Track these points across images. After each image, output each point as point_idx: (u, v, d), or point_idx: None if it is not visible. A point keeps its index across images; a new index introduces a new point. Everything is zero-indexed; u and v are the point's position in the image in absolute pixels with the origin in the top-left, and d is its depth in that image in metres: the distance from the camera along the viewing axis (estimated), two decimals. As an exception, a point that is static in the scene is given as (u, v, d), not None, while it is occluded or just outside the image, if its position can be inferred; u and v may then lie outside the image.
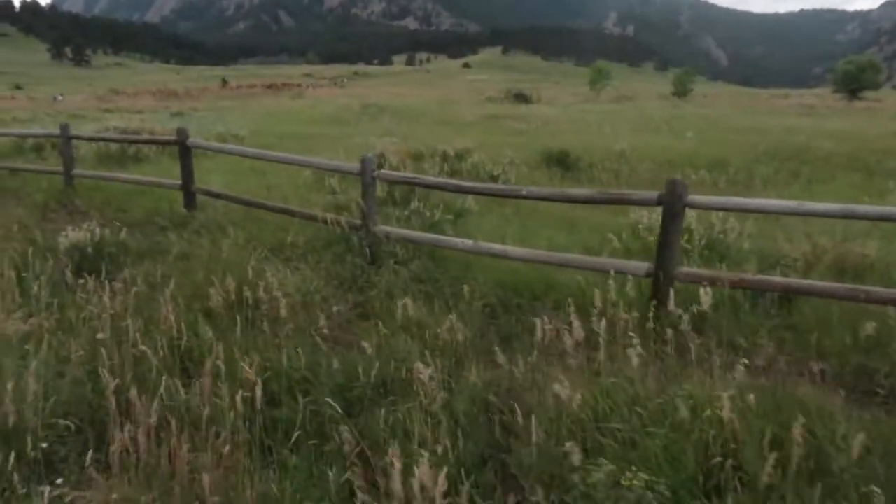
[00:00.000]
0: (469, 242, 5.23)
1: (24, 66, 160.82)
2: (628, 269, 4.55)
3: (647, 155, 13.08)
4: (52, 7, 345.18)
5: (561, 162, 12.55)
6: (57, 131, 9.11)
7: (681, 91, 63.64)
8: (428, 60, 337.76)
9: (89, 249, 6.32)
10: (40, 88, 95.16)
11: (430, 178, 5.46)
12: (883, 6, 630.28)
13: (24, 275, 5.07)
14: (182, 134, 7.21)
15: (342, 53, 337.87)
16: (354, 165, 5.86)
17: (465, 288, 4.42)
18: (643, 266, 4.52)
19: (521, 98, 49.29)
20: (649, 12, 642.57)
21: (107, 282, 4.68)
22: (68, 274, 5.22)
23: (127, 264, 5.87)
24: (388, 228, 5.79)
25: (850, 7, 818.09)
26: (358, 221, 5.84)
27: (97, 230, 6.41)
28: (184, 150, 7.21)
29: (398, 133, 19.75)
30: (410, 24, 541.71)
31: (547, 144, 14.60)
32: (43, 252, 5.99)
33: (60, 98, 58.87)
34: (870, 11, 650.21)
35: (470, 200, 7.77)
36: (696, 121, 23.13)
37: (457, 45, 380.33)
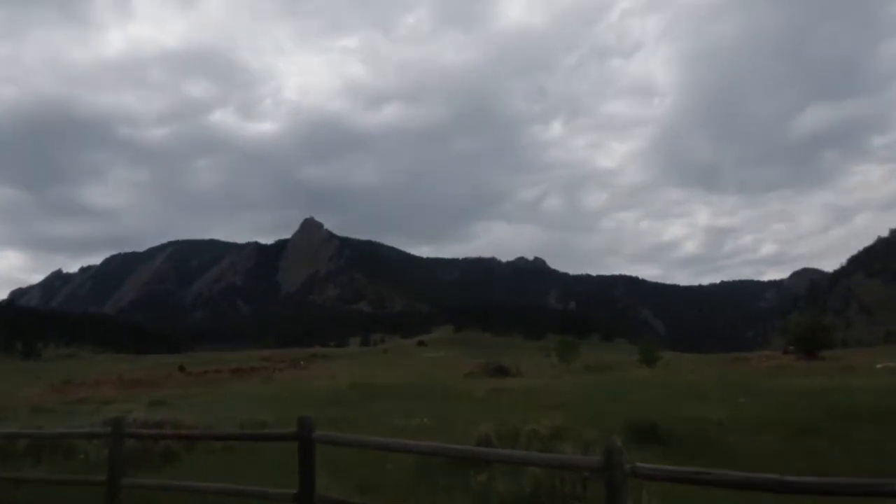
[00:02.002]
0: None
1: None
2: None
3: (736, 425, 11.83)
4: (8, 301, 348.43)
5: (651, 436, 11.14)
6: (99, 427, 7.37)
7: (649, 359, 64.92)
8: (382, 340, 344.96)
9: None
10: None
11: (714, 473, 4.05)
12: (792, 276, 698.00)
13: None
14: (305, 426, 5.67)
15: (298, 336, 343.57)
16: (593, 459, 4.41)
17: None
18: None
19: (502, 371, 48.86)
20: (586, 289, 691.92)
21: None
22: None
23: None
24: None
25: (764, 277, 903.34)
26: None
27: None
28: (306, 446, 5.61)
29: (420, 413, 18.23)
30: (364, 307, 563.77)
31: (613, 418, 13.31)
32: None
33: None
34: (782, 280, 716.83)
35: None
36: (718, 387, 22.40)
37: (409, 325, 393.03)
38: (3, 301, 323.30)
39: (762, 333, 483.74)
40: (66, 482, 7.62)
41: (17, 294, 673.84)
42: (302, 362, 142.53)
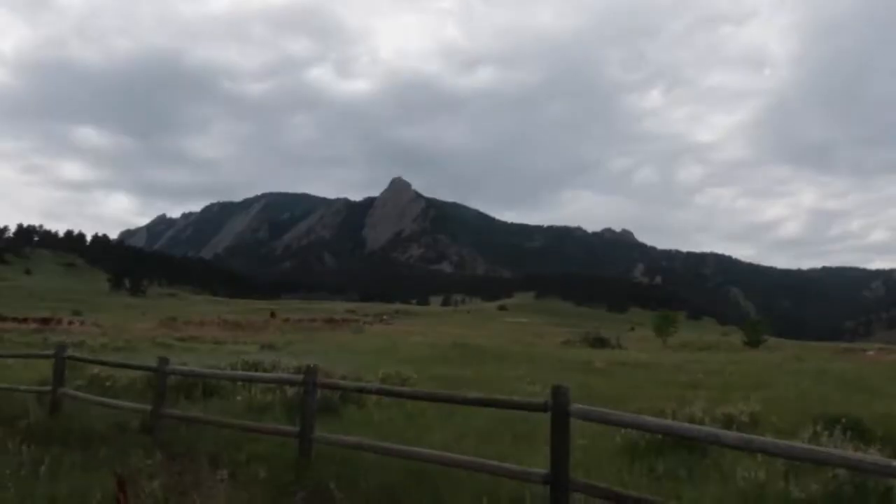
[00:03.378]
0: None
1: (84, 293, 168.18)
2: None
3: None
4: (118, 242, 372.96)
5: (856, 434, 9.63)
6: (299, 376, 6.75)
7: (754, 341, 61.61)
8: (463, 301, 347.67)
9: None
10: (96, 315, 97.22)
11: None
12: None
13: None
14: (561, 395, 4.78)
15: (380, 292, 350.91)
16: None
17: None
18: None
19: (601, 342, 47.41)
20: (675, 265, 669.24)
21: None
22: None
23: None
24: None
25: (872, 266, 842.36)
26: None
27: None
28: (561, 420, 4.71)
29: (549, 380, 17.23)
30: (446, 268, 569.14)
31: (784, 406, 11.87)
32: None
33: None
34: (892, 270, 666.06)
35: None
36: (877, 381, 20.23)
37: (490, 289, 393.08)
38: (114, 241, 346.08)
39: (864, 325, 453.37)
40: (252, 429, 7.09)
41: (126, 235, 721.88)
42: (385, 316, 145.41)
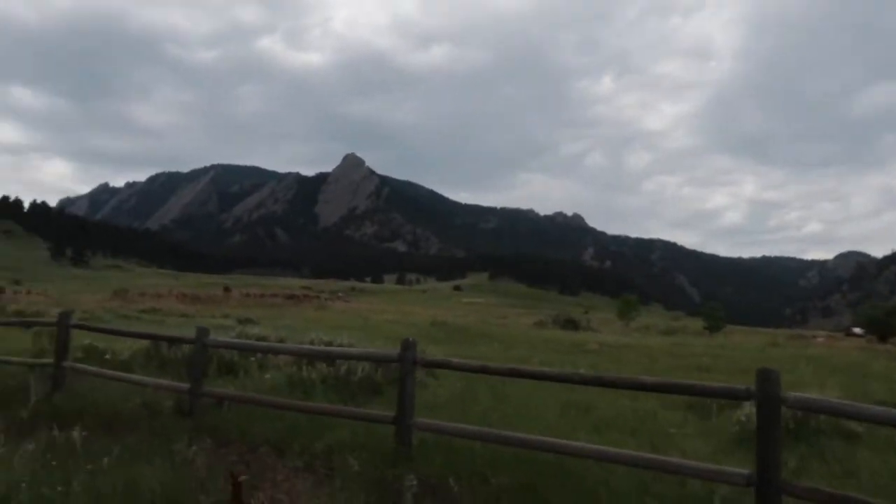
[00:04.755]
0: None
1: (23, 262, 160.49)
2: None
3: None
4: (58, 209, 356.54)
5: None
6: (393, 352, 5.68)
7: (714, 327, 62.78)
8: (417, 281, 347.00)
9: None
10: (38, 285, 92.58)
11: None
12: (837, 257, 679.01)
13: None
14: (771, 380, 3.95)
15: (334, 269, 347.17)
16: None
17: None
18: None
19: (573, 324, 47.31)
20: (623, 250, 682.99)
21: None
22: None
23: None
24: None
25: (808, 256, 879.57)
26: None
27: None
28: (772, 410, 3.86)
29: (556, 362, 16.60)
30: (400, 246, 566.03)
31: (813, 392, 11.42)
32: None
33: None
34: (826, 261, 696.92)
35: None
36: (862, 367, 20.27)
37: (444, 269, 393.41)
38: (54, 209, 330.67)
39: (801, 312, 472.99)
40: (330, 413, 6.00)
41: (65, 203, 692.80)
42: (341, 294, 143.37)
